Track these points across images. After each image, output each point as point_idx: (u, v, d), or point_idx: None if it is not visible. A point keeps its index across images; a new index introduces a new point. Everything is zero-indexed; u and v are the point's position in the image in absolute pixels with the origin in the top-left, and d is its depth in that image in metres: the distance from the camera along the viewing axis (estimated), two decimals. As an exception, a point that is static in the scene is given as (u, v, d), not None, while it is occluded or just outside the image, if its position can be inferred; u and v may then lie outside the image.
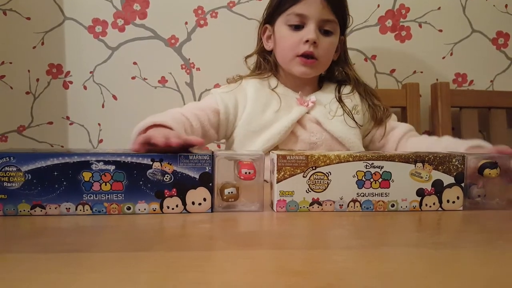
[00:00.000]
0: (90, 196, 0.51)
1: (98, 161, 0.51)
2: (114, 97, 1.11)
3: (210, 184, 0.53)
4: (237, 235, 0.46)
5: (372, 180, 0.55)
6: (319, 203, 0.55)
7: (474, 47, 1.18)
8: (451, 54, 1.18)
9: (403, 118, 1.14)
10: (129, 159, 0.51)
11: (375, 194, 0.55)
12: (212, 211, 0.54)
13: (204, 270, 0.34)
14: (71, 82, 1.10)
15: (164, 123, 0.68)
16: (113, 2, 1.09)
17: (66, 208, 0.51)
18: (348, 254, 0.39)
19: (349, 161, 0.54)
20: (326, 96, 0.92)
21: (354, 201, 0.55)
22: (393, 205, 0.56)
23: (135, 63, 1.11)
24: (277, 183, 0.54)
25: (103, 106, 1.11)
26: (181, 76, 1.12)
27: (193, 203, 0.53)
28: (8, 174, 0.50)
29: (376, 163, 0.55)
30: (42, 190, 0.50)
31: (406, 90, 1.13)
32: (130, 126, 1.11)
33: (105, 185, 0.51)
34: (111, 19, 1.09)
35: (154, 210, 0.53)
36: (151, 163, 0.52)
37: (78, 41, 1.09)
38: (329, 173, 0.54)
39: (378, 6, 1.15)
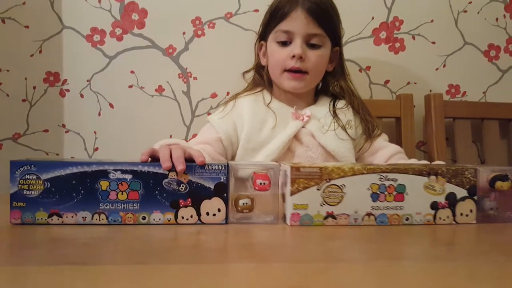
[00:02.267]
0: (106, 205, 0.53)
1: (116, 170, 0.52)
2: (111, 105, 1.13)
3: (225, 195, 0.54)
4: (249, 249, 0.47)
5: (386, 193, 0.54)
6: (334, 217, 0.54)
7: (467, 59, 1.22)
8: (444, 65, 1.22)
9: (397, 129, 1.16)
10: (146, 169, 0.53)
11: (390, 208, 0.54)
12: (226, 222, 0.55)
13: (212, 285, 0.34)
14: (68, 90, 1.12)
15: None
16: (112, 11, 1.11)
17: (83, 217, 0.53)
18: (362, 268, 0.39)
19: (363, 173, 0.53)
20: (321, 110, 0.95)
21: (368, 214, 0.54)
22: (407, 219, 0.55)
23: (132, 71, 1.13)
24: (291, 195, 0.53)
25: (99, 114, 1.13)
26: (178, 85, 1.14)
27: (207, 213, 0.54)
28: (28, 182, 0.51)
29: (391, 175, 0.54)
30: (60, 199, 0.52)
31: (400, 101, 1.16)
32: (126, 134, 1.14)
33: (122, 194, 0.53)
34: (109, 28, 1.11)
35: (169, 220, 0.54)
36: (167, 172, 0.53)
37: (76, 50, 1.12)
38: (343, 186, 0.53)
39: (373, 18, 1.18)
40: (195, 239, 0.49)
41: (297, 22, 0.88)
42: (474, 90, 1.24)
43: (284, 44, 0.90)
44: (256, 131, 0.90)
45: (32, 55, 1.11)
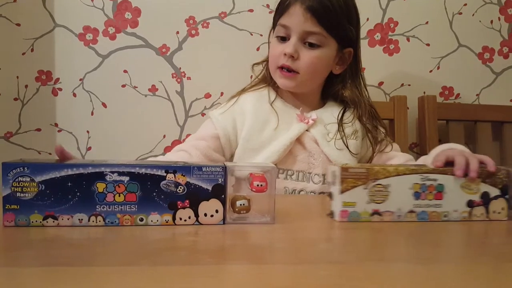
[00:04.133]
0: (103, 207, 0.53)
1: (113, 172, 0.52)
2: (104, 105, 1.12)
3: (223, 196, 0.55)
4: (247, 248, 0.48)
5: (427, 192, 0.60)
6: (379, 214, 0.59)
7: (461, 61, 1.23)
8: (438, 67, 1.22)
9: (390, 130, 1.17)
10: (143, 170, 0.53)
11: (430, 205, 0.60)
12: (224, 223, 0.56)
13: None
14: (60, 89, 1.12)
15: None
16: (105, 10, 1.10)
17: (79, 219, 0.52)
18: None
19: (406, 174, 0.59)
20: (328, 116, 0.93)
21: (411, 211, 0.60)
22: (445, 215, 0.61)
23: (125, 71, 1.13)
24: (340, 194, 0.58)
25: (92, 114, 1.13)
26: (171, 84, 1.14)
27: (205, 214, 0.55)
28: (21, 184, 0.51)
29: (431, 176, 0.60)
30: (55, 201, 0.52)
31: (394, 102, 1.16)
32: (119, 134, 1.14)
33: (119, 196, 0.53)
34: (102, 27, 1.11)
35: (167, 222, 0.54)
36: (164, 174, 0.53)
37: (69, 48, 1.12)
38: (388, 185, 0.59)
39: (368, 19, 1.18)
40: (191, 240, 0.50)
41: (294, 18, 0.85)
42: (468, 92, 1.26)
43: (283, 39, 0.88)
44: (257, 130, 0.88)
45: (24, 54, 1.10)
